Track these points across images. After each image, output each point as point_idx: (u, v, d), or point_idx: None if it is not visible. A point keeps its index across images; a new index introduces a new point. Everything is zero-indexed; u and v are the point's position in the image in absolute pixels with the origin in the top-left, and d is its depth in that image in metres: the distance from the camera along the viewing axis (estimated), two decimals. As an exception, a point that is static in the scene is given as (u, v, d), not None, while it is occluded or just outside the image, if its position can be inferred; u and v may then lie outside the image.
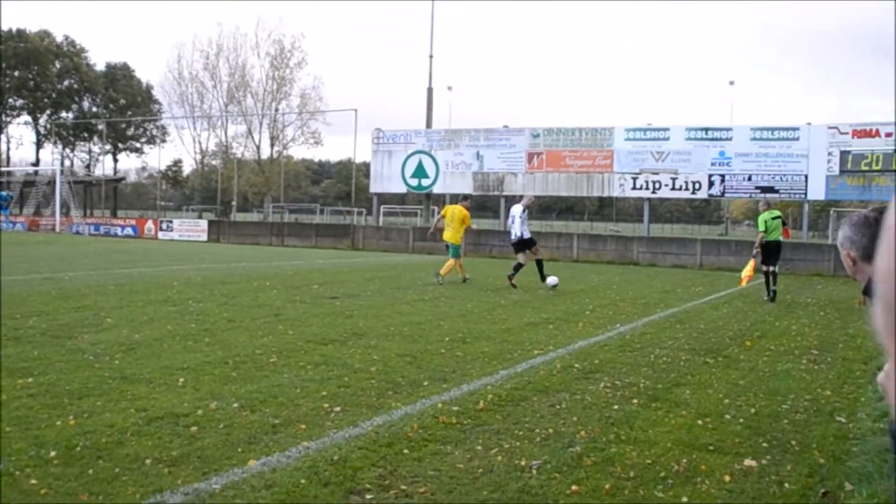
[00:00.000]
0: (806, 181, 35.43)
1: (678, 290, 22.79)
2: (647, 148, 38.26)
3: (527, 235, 22.81)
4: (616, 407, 8.35)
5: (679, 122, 39.16)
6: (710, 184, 37.12)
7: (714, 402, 8.70)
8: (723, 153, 36.78)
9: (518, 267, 22.32)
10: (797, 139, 35.55)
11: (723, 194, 37.97)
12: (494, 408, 8.14)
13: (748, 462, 6.64)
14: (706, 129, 37.59)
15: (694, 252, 35.66)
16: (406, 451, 6.63)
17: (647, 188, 38.38)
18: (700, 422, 7.83)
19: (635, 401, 8.64)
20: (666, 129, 38.25)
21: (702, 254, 35.36)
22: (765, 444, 7.17)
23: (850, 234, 4.46)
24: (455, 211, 23.93)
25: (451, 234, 23.64)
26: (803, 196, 36.10)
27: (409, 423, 7.41)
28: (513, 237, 22.97)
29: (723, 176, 36.80)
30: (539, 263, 22.65)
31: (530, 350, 11.77)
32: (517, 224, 22.67)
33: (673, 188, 37.95)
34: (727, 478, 6.24)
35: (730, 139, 36.79)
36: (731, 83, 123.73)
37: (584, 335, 13.43)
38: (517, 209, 22.97)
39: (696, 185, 37.43)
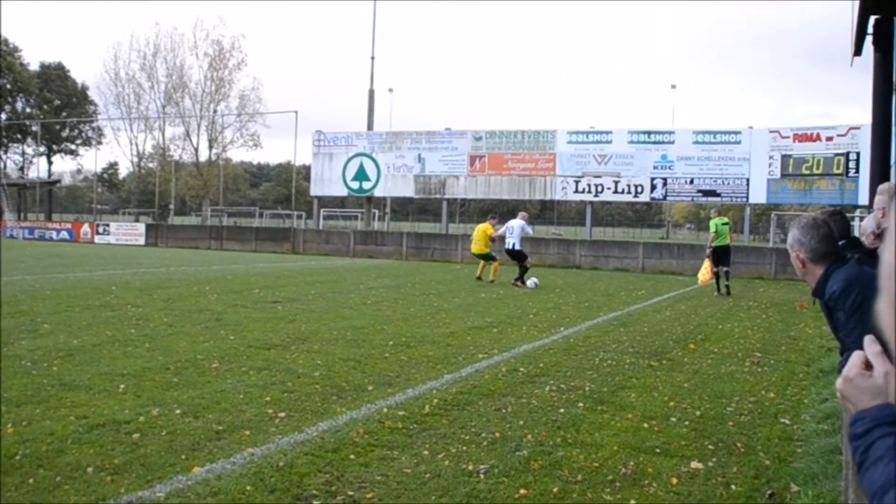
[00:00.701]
0: (748, 185, 35.75)
1: (621, 294, 22.90)
2: (589, 151, 38.39)
3: (517, 247, 24.96)
4: (562, 410, 8.34)
5: (622, 126, 39.39)
6: (653, 187, 37.33)
7: (659, 405, 8.73)
8: (665, 156, 37.02)
9: (524, 271, 24.58)
10: (739, 143, 35.86)
11: (665, 198, 38.22)
12: (440, 412, 8.09)
13: (695, 464, 6.65)
14: (648, 133, 37.82)
15: (636, 255, 35.88)
16: (352, 456, 6.56)
17: (590, 191, 38.51)
18: (646, 425, 7.85)
19: (581, 404, 8.64)
20: (608, 133, 38.42)
21: (644, 257, 35.59)
22: (711, 447, 7.19)
23: (799, 237, 4.48)
24: (479, 228, 26.15)
25: (477, 248, 26.04)
26: (745, 199, 36.42)
27: (355, 429, 7.34)
28: (507, 246, 25.19)
29: (665, 179, 37.04)
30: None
31: (475, 354, 11.74)
32: (515, 235, 25.01)
33: (615, 191, 38.12)
34: (674, 480, 6.25)
35: (672, 142, 37.03)
36: (673, 87, 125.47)
37: (529, 339, 13.44)
38: (518, 223, 25.34)
39: (639, 189, 37.64)
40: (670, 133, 37.86)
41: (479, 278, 25.54)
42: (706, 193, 36.23)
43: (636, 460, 6.70)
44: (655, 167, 37.23)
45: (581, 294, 22.27)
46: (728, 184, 36.07)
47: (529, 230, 26.47)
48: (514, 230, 25.17)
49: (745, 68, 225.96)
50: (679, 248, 36.16)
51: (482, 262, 26.17)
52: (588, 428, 7.67)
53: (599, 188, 38.27)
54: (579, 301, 20.18)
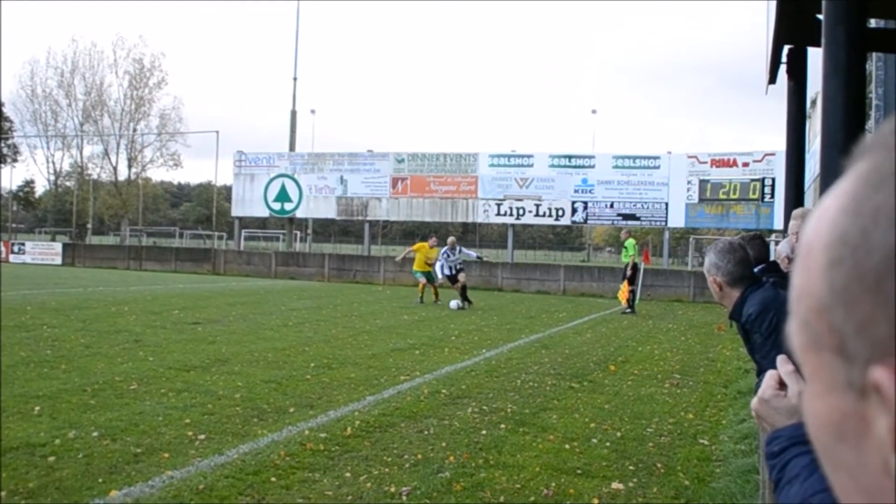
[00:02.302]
0: (666, 209, 36.30)
1: (542, 316, 23.02)
2: (511, 174, 38.66)
3: (446, 272, 25.37)
4: (484, 432, 8.35)
5: (543, 150, 39.65)
6: (574, 210, 37.70)
7: (581, 427, 8.78)
8: (585, 180, 37.41)
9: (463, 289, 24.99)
10: (658, 167, 36.41)
11: (585, 221, 38.63)
12: (362, 434, 8.06)
13: (615, 485, 6.70)
14: (569, 157, 38.19)
15: (558, 278, 36.11)
16: (273, 478, 6.51)
17: (511, 214, 38.76)
18: (567, 446, 7.89)
19: (503, 426, 8.66)
20: (530, 156, 38.74)
21: (565, 280, 35.83)
22: (631, 467, 7.25)
23: (716, 261, 4.55)
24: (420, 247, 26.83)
25: (416, 264, 26.58)
26: (664, 223, 36.97)
27: (276, 451, 7.28)
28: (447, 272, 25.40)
29: (585, 203, 37.42)
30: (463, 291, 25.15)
31: (397, 376, 11.71)
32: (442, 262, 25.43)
33: (537, 214, 38.42)
34: (595, 501, 6.29)
35: (592, 167, 37.45)
36: (594, 111, 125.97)
37: (451, 360, 13.45)
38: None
39: (560, 212, 37.97)
40: (591, 157, 38.28)
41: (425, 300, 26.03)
42: (626, 217, 36.67)
43: (558, 481, 6.73)
44: (576, 191, 37.61)
45: (503, 316, 22.35)
46: (647, 208, 36.58)
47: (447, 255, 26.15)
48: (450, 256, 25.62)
49: (664, 95, 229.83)
50: (600, 271, 36.44)
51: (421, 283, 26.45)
52: (510, 449, 7.69)
53: (521, 211, 38.55)
54: (501, 323, 20.25)
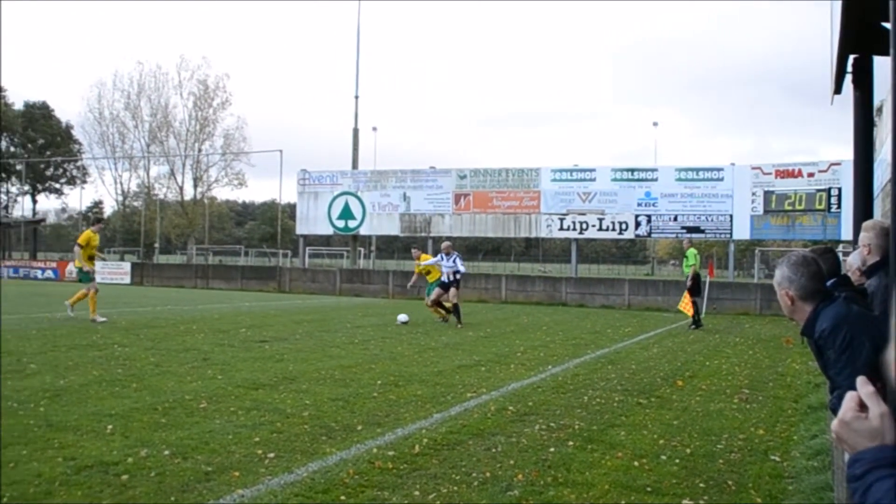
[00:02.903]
0: (731, 221, 35.95)
1: (608, 331, 22.91)
2: (573, 189, 38.55)
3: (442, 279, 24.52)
4: (552, 449, 8.31)
5: (605, 163, 39.55)
6: (637, 224, 37.48)
7: (649, 443, 8.71)
8: (649, 193, 37.19)
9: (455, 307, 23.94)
10: (721, 179, 36.09)
11: (649, 234, 38.35)
12: (430, 452, 8.06)
13: (686, 502, 6.64)
14: (632, 170, 38.01)
15: (622, 292, 35.94)
16: (343, 497, 6.53)
17: (574, 229, 38.63)
18: (636, 463, 7.83)
19: (571, 443, 8.61)
20: (592, 170, 38.60)
21: (630, 294, 35.67)
22: (702, 485, 7.17)
23: (789, 274, 4.49)
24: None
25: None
26: (728, 236, 36.62)
27: (345, 469, 7.30)
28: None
29: (649, 216, 37.19)
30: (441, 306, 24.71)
31: (463, 393, 11.71)
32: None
33: (600, 229, 38.25)
34: (667, 519, 6.23)
35: (655, 179, 37.22)
36: (655, 124, 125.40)
37: (517, 377, 13.41)
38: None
39: (623, 226, 37.77)
40: (653, 170, 38.06)
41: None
42: (690, 230, 36.34)
43: (627, 499, 6.68)
44: (639, 204, 37.39)
45: (568, 332, 22.27)
46: (711, 220, 36.26)
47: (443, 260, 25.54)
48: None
49: (724, 106, 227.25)
50: (665, 285, 36.24)
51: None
52: (578, 467, 7.64)
53: (584, 225, 38.40)
54: (566, 339, 20.17)
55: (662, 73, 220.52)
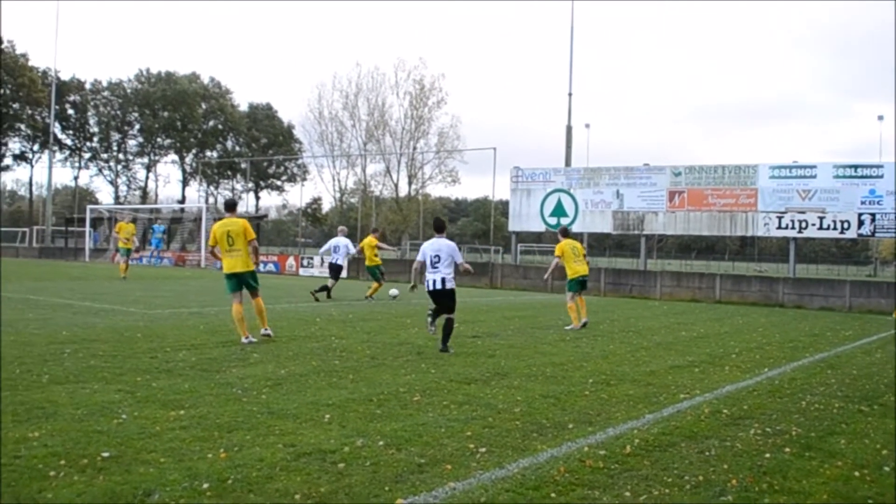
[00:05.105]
0: (962, 220, 34.18)
1: (827, 334, 22.14)
2: (792, 186, 37.36)
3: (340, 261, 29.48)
4: (768, 455, 8.09)
5: (826, 159, 38.12)
6: (860, 223, 36.00)
7: (871, 453, 8.36)
8: (873, 191, 35.67)
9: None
10: (952, 175, 34.35)
11: (873, 234, 36.78)
12: (642, 452, 7.98)
13: (911, 516, 6.36)
14: (855, 167, 36.55)
15: (843, 294, 34.64)
16: (553, 494, 6.53)
17: (793, 227, 37.41)
18: (857, 473, 7.54)
19: (787, 449, 8.36)
20: (813, 167, 37.31)
21: (851, 296, 34.33)
22: (929, 498, 6.85)
23: None
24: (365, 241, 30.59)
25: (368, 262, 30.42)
26: (959, 235, 34.79)
27: (556, 466, 7.31)
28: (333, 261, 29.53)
29: (873, 215, 35.68)
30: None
31: (676, 394, 11.54)
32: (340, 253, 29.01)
33: (820, 227, 36.93)
34: (890, 532, 5.98)
35: (881, 176, 35.65)
36: (881, 118, 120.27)
37: (731, 379, 13.12)
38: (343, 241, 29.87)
39: (845, 225, 36.35)
40: (878, 167, 36.42)
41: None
42: (918, 230, 34.71)
43: (848, 510, 6.45)
44: (863, 202, 35.89)
45: (785, 334, 21.63)
46: (941, 219, 34.53)
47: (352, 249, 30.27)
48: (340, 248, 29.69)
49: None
50: (888, 287, 34.68)
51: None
52: (795, 475, 7.42)
53: (803, 224, 37.14)
54: (783, 341, 19.60)
55: (886, 64, 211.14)
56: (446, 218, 46.84)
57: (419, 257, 16.15)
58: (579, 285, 21.12)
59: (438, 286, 15.66)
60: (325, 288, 28.23)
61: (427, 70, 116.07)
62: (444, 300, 15.78)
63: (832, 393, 12.13)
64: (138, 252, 55.52)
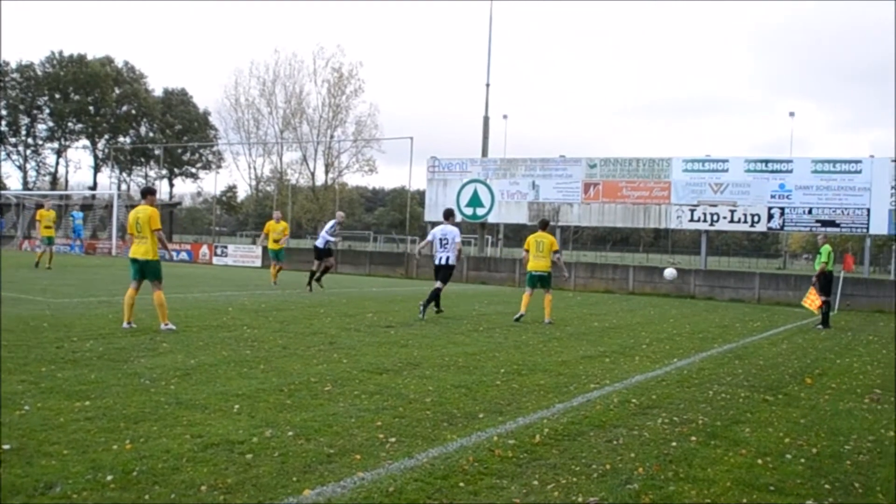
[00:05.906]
0: (868, 215, 34.93)
1: (736, 325, 22.54)
2: (705, 179, 37.92)
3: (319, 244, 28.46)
4: (674, 444, 8.21)
5: (738, 154, 38.72)
6: (770, 216, 36.68)
7: (774, 441, 8.53)
8: (783, 186, 36.34)
9: (313, 274, 28.31)
10: (859, 172, 35.08)
11: (782, 227, 37.48)
12: (551, 442, 8.05)
13: (810, 504, 6.50)
14: (766, 161, 37.22)
15: (752, 286, 35.30)
16: (462, 484, 6.56)
17: (705, 220, 37.98)
18: (760, 461, 7.68)
19: (694, 438, 8.50)
20: (725, 161, 37.90)
21: (760, 288, 35.00)
22: (827, 486, 7.01)
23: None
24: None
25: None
26: (865, 230, 35.55)
27: (465, 456, 7.34)
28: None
29: (782, 209, 36.36)
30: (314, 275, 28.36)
31: (586, 384, 11.65)
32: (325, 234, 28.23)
33: (731, 220, 37.53)
34: (789, 519, 6.11)
35: (790, 171, 36.35)
36: (791, 114, 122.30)
37: (641, 369, 13.30)
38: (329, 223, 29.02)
39: (755, 218, 37.00)
40: (788, 162, 37.16)
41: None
42: (825, 223, 35.41)
43: (749, 497, 6.57)
44: (773, 196, 36.58)
45: (695, 325, 21.98)
46: (847, 214, 35.28)
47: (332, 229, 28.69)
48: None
49: (860, 98, 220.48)
50: (797, 279, 35.36)
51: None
52: (700, 463, 7.54)
53: (715, 217, 37.74)
54: (693, 332, 19.91)
55: (800, 62, 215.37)
56: (362, 207, 46.56)
57: (429, 237, 22.18)
58: (535, 280, 21.16)
59: (444, 262, 21.52)
60: (314, 273, 28.38)
61: (345, 58, 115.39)
62: (444, 272, 21.48)
63: (738, 383, 12.35)
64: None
